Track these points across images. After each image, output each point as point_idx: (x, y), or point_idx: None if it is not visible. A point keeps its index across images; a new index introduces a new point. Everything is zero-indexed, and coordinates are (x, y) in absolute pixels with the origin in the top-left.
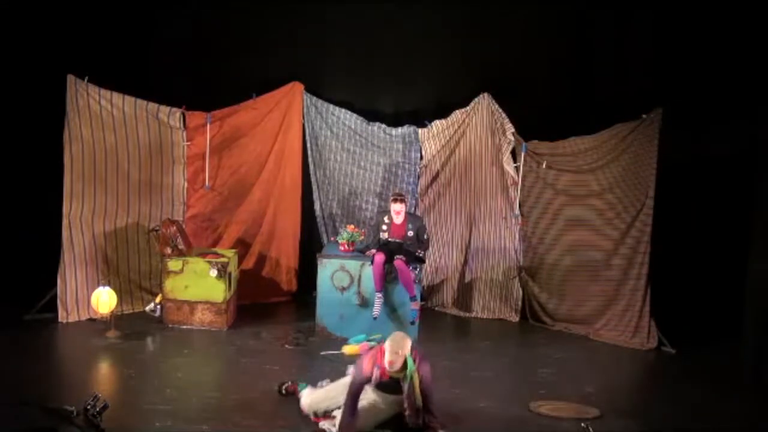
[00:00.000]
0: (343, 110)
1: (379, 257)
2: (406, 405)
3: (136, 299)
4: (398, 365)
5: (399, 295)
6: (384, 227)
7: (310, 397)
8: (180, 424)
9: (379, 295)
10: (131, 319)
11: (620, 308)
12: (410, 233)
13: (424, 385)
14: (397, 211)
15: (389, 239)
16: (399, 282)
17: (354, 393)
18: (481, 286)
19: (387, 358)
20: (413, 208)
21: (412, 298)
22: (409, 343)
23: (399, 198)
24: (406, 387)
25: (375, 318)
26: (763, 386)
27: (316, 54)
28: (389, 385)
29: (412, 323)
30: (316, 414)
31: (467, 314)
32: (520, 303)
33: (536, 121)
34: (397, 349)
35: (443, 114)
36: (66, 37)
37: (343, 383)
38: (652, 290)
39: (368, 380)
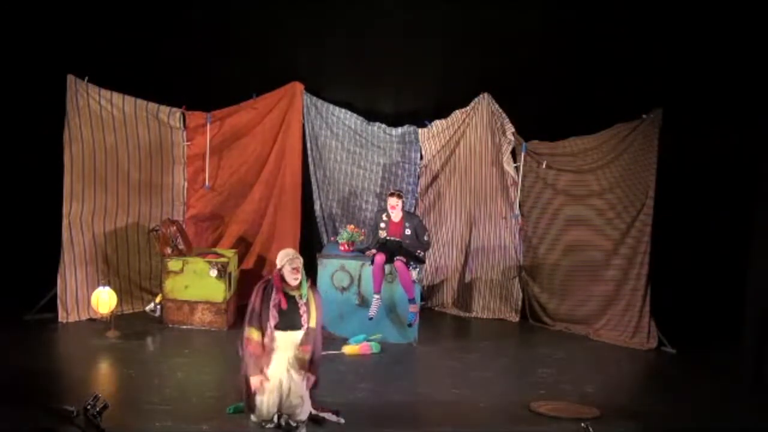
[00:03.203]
0: (343, 110)
1: (380, 258)
2: (303, 335)
3: (136, 299)
4: (300, 277)
5: (399, 296)
6: (382, 225)
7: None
8: (180, 424)
9: (377, 296)
10: (131, 319)
11: (620, 308)
12: (407, 231)
13: (318, 311)
14: (393, 206)
15: (388, 238)
16: (398, 282)
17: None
18: (481, 286)
19: (289, 268)
20: (413, 208)
21: (411, 301)
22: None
23: (395, 193)
24: (302, 306)
25: (371, 318)
26: (763, 386)
27: (316, 54)
28: (287, 315)
29: (410, 325)
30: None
31: (467, 314)
32: (520, 303)
33: (536, 121)
34: (298, 255)
35: (443, 114)
36: (66, 37)
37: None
38: (652, 290)
39: (255, 313)
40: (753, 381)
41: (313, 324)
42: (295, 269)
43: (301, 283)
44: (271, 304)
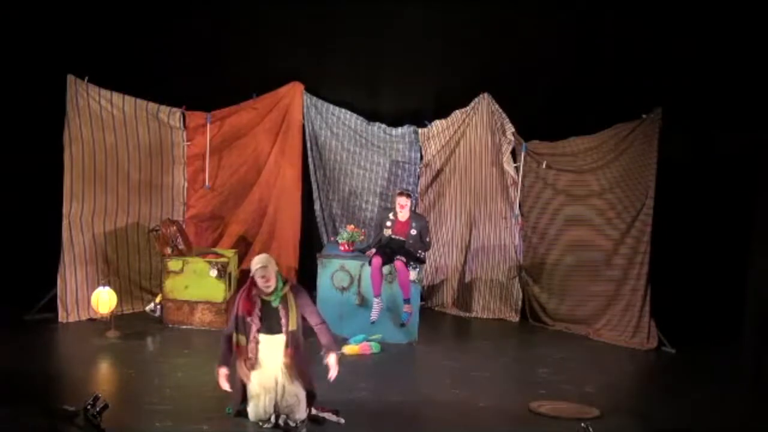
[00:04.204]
0: (343, 110)
1: (377, 261)
2: (285, 336)
3: (136, 299)
4: (272, 282)
5: (399, 296)
6: (388, 223)
7: (253, 411)
8: (180, 424)
9: (378, 300)
10: (131, 319)
11: (620, 308)
12: (413, 231)
13: (303, 307)
14: (402, 205)
15: (392, 236)
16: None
17: (227, 335)
18: (481, 286)
19: (260, 276)
20: (414, 208)
21: (406, 300)
22: (273, 261)
23: (405, 192)
24: (281, 310)
25: (373, 322)
26: (763, 386)
27: (316, 54)
28: (269, 319)
29: (402, 325)
30: (277, 416)
31: (467, 314)
32: (520, 303)
33: (536, 121)
34: (266, 263)
35: (443, 114)
36: (66, 37)
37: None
38: (652, 290)
39: (239, 319)
40: (753, 381)
41: (293, 327)
42: (263, 278)
43: (275, 290)
44: (252, 311)
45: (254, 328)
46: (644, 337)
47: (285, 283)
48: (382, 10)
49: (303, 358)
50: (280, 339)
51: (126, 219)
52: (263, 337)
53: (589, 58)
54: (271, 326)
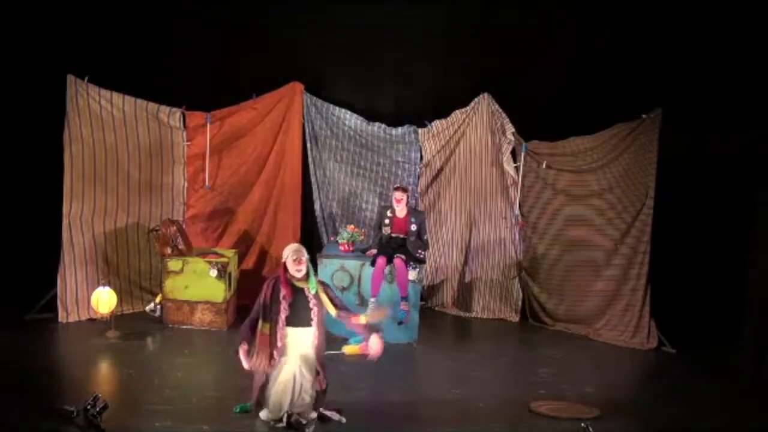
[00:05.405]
0: (343, 110)
1: (381, 261)
2: (315, 324)
3: (136, 299)
4: (303, 266)
5: (396, 294)
6: (386, 221)
7: (266, 411)
8: (180, 424)
9: (374, 300)
10: (131, 319)
11: (620, 308)
12: (413, 227)
13: (333, 299)
14: (398, 199)
15: (391, 234)
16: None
17: (252, 320)
18: (481, 286)
19: (292, 259)
20: (415, 206)
21: (403, 298)
22: (305, 250)
23: (401, 186)
24: (312, 299)
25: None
26: (763, 386)
27: (316, 54)
28: (297, 309)
29: (400, 323)
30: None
31: (467, 314)
32: (520, 303)
33: (536, 121)
34: (299, 248)
35: (443, 114)
36: (66, 37)
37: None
38: (652, 290)
39: (266, 307)
40: (753, 381)
41: (333, 312)
42: (297, 260)
43: (308, 276)
44: (280, 296)
45: (283, 314)
46: (644, 337)
47: (316, 274)
48: (382, 10)
49: (322, 353)
50: (305, 332)
51: (126, 219)
52: (288, 330)
53: (589, 58)
54: (296, 317)
